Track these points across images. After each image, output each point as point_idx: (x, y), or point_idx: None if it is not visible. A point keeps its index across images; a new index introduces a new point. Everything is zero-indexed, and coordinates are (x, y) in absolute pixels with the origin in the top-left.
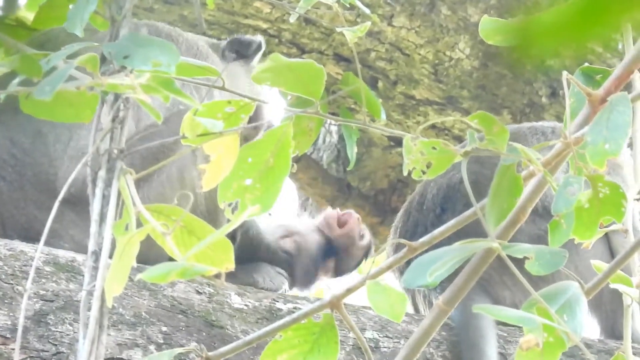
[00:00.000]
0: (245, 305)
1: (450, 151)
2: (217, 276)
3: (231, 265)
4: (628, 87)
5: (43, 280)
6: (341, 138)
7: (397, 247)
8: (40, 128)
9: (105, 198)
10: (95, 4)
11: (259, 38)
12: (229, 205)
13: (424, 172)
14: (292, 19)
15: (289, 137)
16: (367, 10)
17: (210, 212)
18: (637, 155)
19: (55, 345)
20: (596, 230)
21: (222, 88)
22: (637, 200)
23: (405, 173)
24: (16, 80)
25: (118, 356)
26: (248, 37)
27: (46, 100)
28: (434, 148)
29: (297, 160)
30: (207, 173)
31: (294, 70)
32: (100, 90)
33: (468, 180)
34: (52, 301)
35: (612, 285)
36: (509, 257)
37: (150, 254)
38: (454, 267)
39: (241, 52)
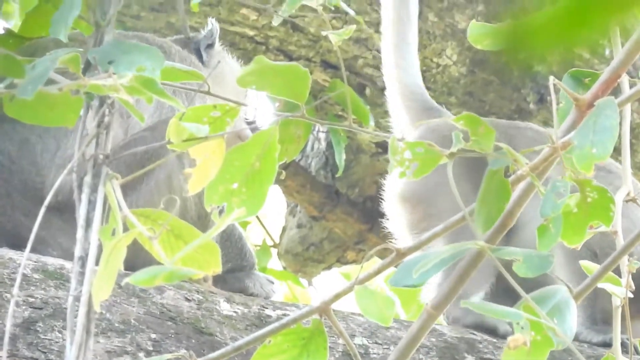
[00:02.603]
0: (235, 312)
1: (436, 152)
2: (205, 279)
3: (218, 269)
4: (616, 92)
5: (32, 287)
6: (329, 145)
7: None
8: (27, 136)
9: (91, 203)
10: (79, 9)
11: (210, 23)
12: (217, 208)
13: (409, 173)
14: (275, 23)
15: (275, 141)
16: (352, 12)
17: (200, 218)
18: (626, 159)
19: (45, 352)
20: (584, 235)
21: (208, 93)
22: (627, 202)
23: (390, 174)
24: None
25: None
26: (204, 32)
27: (30, 103)
28: (419, 149)
29: (285, 167)
30: (193, 177)
31: (279, 73)
32: (83, 92)
33: None
34: (41, 309)
35: (600, 285)
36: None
37: (137, 260)
38: (440, 267)
39: (210, 45)
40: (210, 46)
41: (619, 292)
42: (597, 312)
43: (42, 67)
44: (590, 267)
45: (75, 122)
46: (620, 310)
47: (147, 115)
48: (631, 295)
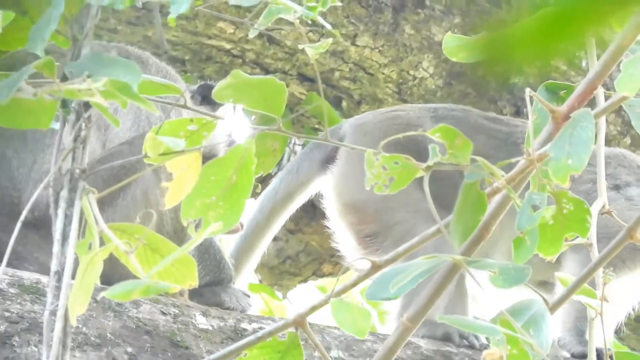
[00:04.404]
0: (211, 325)
1: (412, 165)
2: (182, 293)
3: (195, 282)
4: (592, 105)
5: (8, 302)
6: None
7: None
8: (3, 151)
9: (67, 218)
10: (56, 23)
11: None
12: (193, 222)
13: (386, 187)
14: (252, 35)
15: (252, 155)
16: (328, 25)
17: (176, 232)
18: (601, 171)
19: None
20: (561, 247)
21: (185, 106)
22: (602, 214)
23: (367, 188)
24: None
25: None
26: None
27: (6, 108)
28: (395, 163)
29: (262, 180)
30: (170, 190)
31: (255, 86)
32: (60, 107)
33: None
34: (17, 323)
35: (576, 297)
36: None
37: (114, 275)
38: (417, 280)
39: (208, 98)
40: (212, 103)
41: (595, 304)
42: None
43: (18, 73)
44: (566, 278)
45: (49, 125)
46: (594, 322)
47: (125, 129)
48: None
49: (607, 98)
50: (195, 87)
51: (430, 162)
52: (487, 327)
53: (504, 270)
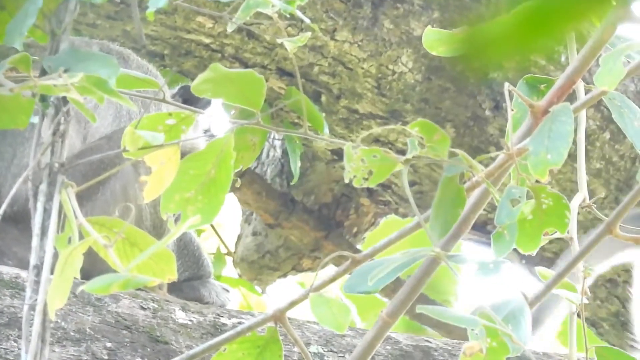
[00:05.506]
0: (190, 320)
1: (391, 159)
2: (160, 287)
3: (173, 276)
4: (572, 99)
5: None
6: (285, 152)
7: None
8: None
9: (46, 212)
10: (34, 17)
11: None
12: (172, 216)
13: (365, 179)
14: (230, 29)
15: (230, 149)
16: (307, 20)
17: (155, 228)
18: (581, 165)
19: None
20: (540, 242)
21: (164, 100)
22: (583, 208)
23: (346, 181)
24: None
25: None
26: None
27: None
28: (374, 156)
29: (241, 175)
30: (148, 184)
31: (234, 80)
32: (38, 100)
33: None
34: None
35: (555, 292)
36: None
37: (94, 271)
38: (395, 273)
39: (190, 100)
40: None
41: (575, 298)
42: None
43: None
44: (546, 273)
45: (27, 124)
46: (575, 317)
47: (106, 124)
48: (587, 302)
49: (586, 92)
50: (176, 89)
51: (408, 155)
52: (466, 318)
53: (483, 264)
